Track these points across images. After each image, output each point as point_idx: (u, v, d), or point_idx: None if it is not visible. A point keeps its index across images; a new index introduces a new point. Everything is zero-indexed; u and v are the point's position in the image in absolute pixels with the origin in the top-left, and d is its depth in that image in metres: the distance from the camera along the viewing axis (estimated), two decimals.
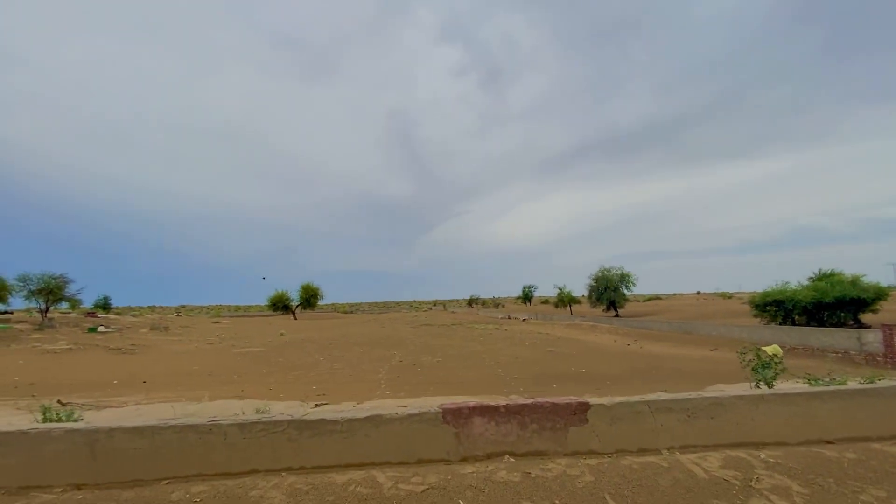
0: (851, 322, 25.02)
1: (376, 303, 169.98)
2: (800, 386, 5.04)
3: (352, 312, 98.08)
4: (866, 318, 25.32)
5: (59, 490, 3.35)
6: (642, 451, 3.87)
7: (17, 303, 43.05)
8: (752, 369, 5.73)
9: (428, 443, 3.69)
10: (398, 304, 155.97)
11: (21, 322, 39.71)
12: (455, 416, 3.74)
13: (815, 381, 5.36)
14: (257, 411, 4.50)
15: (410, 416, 3.70)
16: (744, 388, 7.32)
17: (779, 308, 26.88)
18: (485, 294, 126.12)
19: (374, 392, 12.25)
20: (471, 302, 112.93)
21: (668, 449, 3.91)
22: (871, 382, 4.71)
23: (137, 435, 3.47)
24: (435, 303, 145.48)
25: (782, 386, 5.64)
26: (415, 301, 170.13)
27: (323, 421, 3.62)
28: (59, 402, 7.70)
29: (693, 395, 4.18)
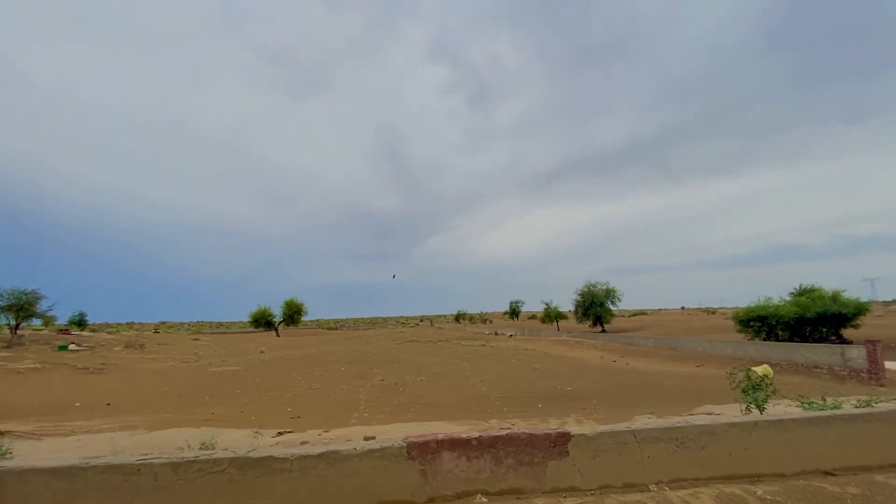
0: (833, 337, 25.18)
1: (362, 318, 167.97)
2: (794, 411, 4.77)
3: (336, 328, 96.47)
4: (847, 333, 25.52)
5: None
6: (628, 487, 3.52)
7: None
8: (742, 391, 5.45)
9: (391, 482, 3.28)
10: (385, 319, 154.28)
11: None
12: (422, 450, 3.35)
13: (809, 404, 5.10)
14: (202, 445, 4.04)
15: (371, 451, 3.29)
16: (735, 412, 7.04)
17: (762, 324, 26.97)
18: (472, 309, 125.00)
19: (352, 415, 11.69)
20: (458, 317, 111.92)
21: (657, 484, 3.57)
22: (868, 406, 4.45)
23: (55, 477, 3.01)
24: (422, 318, 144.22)
25: (776, 410, 5.36)
26: (401, 317, 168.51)
27: (271, 458, 3.19)
28: None
29: (682, 422, 3.85)
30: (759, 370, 5.81)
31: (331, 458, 3.24)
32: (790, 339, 25.24)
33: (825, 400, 5.56)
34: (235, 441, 5.72)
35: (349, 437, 5.96)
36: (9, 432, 6.84)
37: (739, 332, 28.97)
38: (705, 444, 3.72)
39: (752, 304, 28.44)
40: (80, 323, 68.54)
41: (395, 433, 6.25)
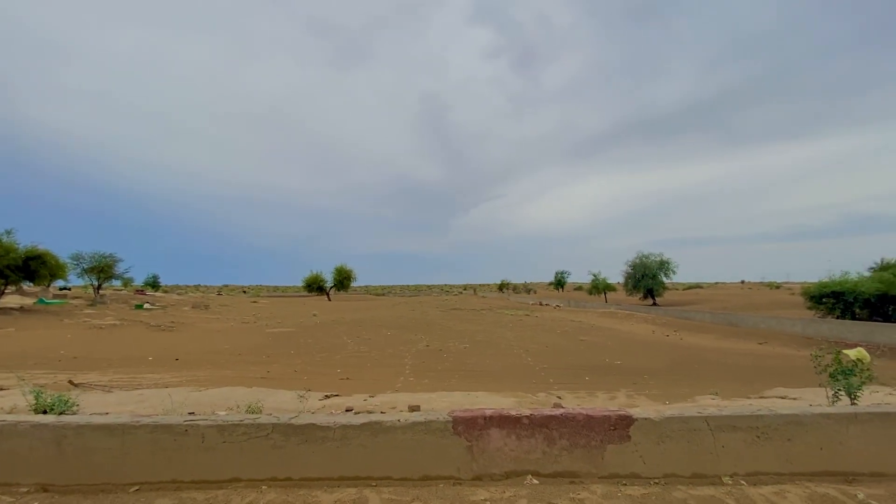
0: None
1: (408, 286, 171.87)
2: None
3: (383, 295, 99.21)
4: None
5: (25, 490, 3.02)
6: (698, 478, 3.15)
7: (77, 280, 45.70)
8: (830, 376, 4.82)
9: (435, 457, 3.11)
10: (429, 287, 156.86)
11: (77, 298, 42.26)
12: (468, 426, 3.14)
13: None
14: (248, 408, 4.07)
15: (415, 424, 3.13)
16: (814, 398, 6.35)
17: (837, 300, 24.78)
18: (516, 279, 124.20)
19: (398, 379, 11.88)
20: (501, 287, 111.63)
21: (731, 476, 3.18)
22: None
23: (107, 433, 3.07)
24: (466, 287, 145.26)
25: (872, 400, 4.70)
26: (446, 285, 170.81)
27: (313, 426, 3.10)
28: (70, 382, 7.70)
29: (764, 410, 3.39)
30: (853, 353, 5.10)
31: (374, 429, 3.10)
32: (870, 318, 23.00)
33: None
34: (285, 402, 5.85)
35: (394, 405, 5.93)
36: (83, 384, 7.46)
37: (810, 308, 26.82)
38: (792, 435, 3.26)
39: (826, 279, 26.12)
40: (154, 285, 75.06)
41: (439, 403, 6.16)
